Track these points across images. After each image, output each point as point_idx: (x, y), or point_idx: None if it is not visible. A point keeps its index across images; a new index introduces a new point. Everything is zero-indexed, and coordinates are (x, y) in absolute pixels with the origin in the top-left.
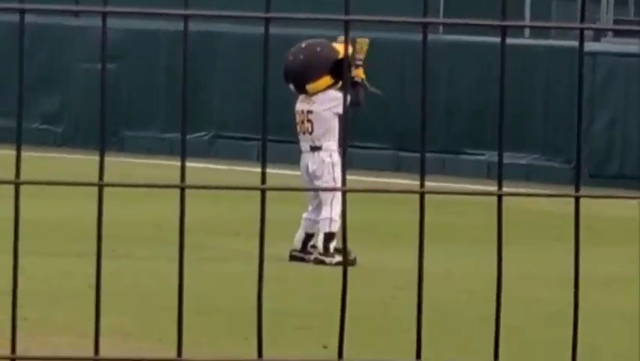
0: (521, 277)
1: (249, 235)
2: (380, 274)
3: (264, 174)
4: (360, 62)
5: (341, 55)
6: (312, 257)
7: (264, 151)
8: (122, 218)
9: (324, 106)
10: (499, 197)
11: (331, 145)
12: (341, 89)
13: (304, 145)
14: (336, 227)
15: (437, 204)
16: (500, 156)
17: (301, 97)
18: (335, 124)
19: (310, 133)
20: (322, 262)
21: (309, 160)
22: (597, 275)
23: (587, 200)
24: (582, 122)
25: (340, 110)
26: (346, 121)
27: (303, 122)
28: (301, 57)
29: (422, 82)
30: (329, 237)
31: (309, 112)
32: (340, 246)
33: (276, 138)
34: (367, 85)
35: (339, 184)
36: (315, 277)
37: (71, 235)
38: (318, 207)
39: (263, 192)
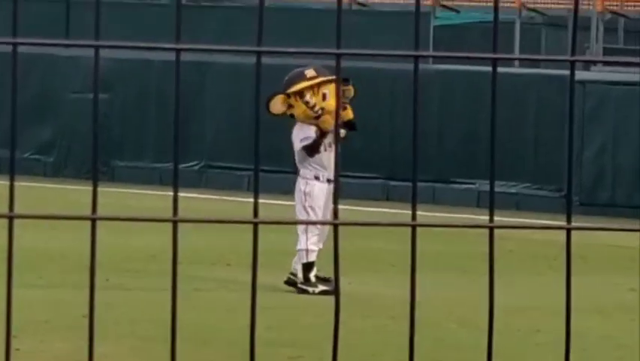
0: (514, 306)
1: (240, 265)
2: (373, 303)
3: (256, 207)
4: (346, 104)
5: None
6: (316, 290)
7: (256, 183)
8: (115, 249)
9: (292, 137)
10: (491, 229)
11: (306, 173)
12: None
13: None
14: (313, 256)
15: (428, 233)
16: (492, 188)
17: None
18: (302, 156)
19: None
20: (305, 292)
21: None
22: (590, 303)
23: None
24: (573, 152)
25: (296, 149)
26: (337, 156)
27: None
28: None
29: (413, 114)
30: (308, 267)
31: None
32: (322, 274)
33: (268, 167)
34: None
35: (307, 214)
36: (308, 306)
37: (65, 265)
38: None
39: (255, 225)
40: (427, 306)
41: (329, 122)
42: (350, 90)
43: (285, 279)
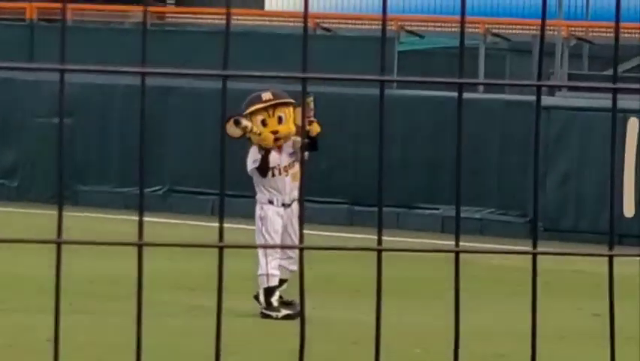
0: (479, 331)
1: (205, 289)
2: (336, 328)
3: (221, 231)
4: (312, 119)
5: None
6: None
7: (222, 207)
8: (79, 273)
9: (247, 159)
10: (457, 254)
11: (261, 198)
12: (260, 147)
13: None
14: (274, 281)
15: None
16: (457, 212)
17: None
18: (257, 179)
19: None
20: (269, 317)
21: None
22: (554, 329)
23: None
24: (538, 177)
25: (248, 170)
26: (302, 180)
27: None
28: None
29: (379, 138)
30: (269, 292)
31: None
32: (286, 298)
33: (232, 192)
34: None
35: (264, 238)
36: (273, 331)
37: (28, 290)
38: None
39: (221, 249)
40: (392, 331)
41: (268, 139)
42: (309, 102)
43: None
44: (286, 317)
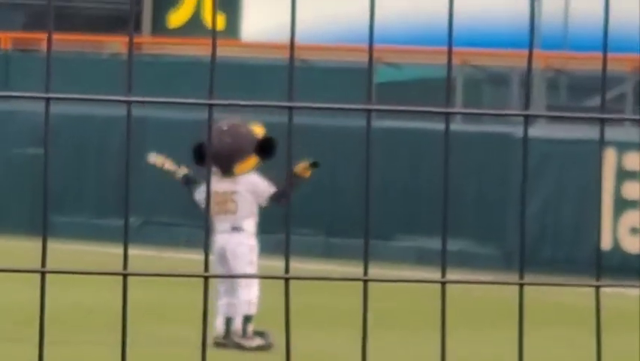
0: None
1: (183, 321)
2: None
3: (206, 261)
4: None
5: (260, 135)
6: (252, 344)
7: (207, 238)
8: (55, 303)
9: (248, 188)
10: (443, 284)
11: (252, 228)
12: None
13: (223, 225)
14: (254, 309)
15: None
16: (444, 243)
17: (219, 177)
18: (255, 209)
19: (234, 213)
20: (241, 347)
21: (228, 240)
22: (532, 359)
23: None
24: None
25: (262, 201)
26: (289, 208)
27: (225, 202)
28: (228, 140)
29: (366, 167)
30: (248, 319)
31: (234, 192)
32: (259, 329)
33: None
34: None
35: (252, 269)
36: None
37: (4, 320)
38: (232, 289)
39: (206, 279)
40: None
41: (305, 173)
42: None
43: (215, 342)
44: (258, 348)
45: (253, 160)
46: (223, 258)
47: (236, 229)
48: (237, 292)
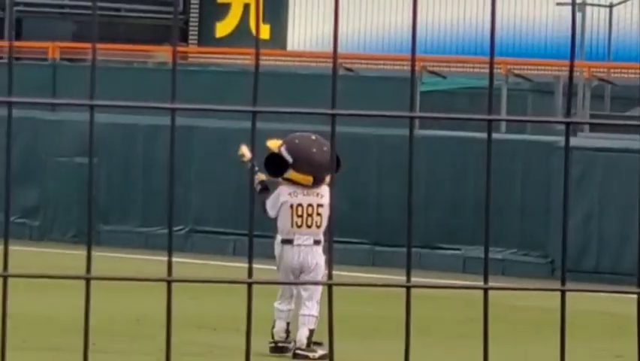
0: None
1: (226, 329)
2: None
3: (250, 267)
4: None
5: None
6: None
7: (251, 244)
8: (99, 312)
9: (328, 200)
10: (485, 291)
11: (323, 240)
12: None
13: (303, 239)
14: (316, 323)
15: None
16: (486, 249)
17: (299, 190)
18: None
19: (318, 227)
20: (306, 358)
21: (309, 254)
22: None
23: (566, 295)
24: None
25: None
26: (332, 217)
27: (310, 215)
28: (326, 149)
29: (409, 173)
30: (312, 333)
31: (320, 205)
32: (318, 340)
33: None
34: None
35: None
36: None
37: (50, 329)
38: (297, 299)
39: (249, 286)
40: None
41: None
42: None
43: (271, 346)
44: (321, 358)
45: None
46: (297, 270)
47: (317, 242)
48: (306, 304)
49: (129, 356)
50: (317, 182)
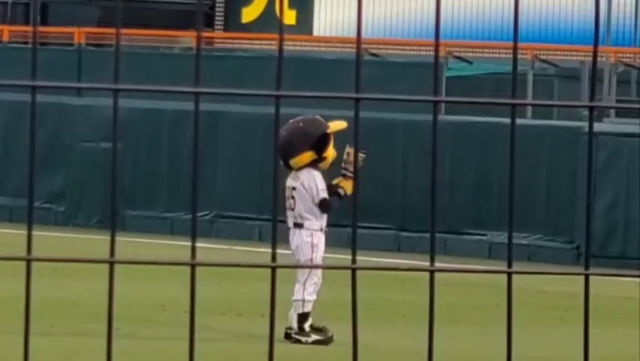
0: (527, 357)
1: (252, 315)
2: (383, 355)
3: (274, 252)
4: (350, 175)
5: (330, 129)
6: (309, 340)
7: (275, 229)
8: (125, 297)
9: (305, 184)
10: (509, 275)
11: (312, 225)
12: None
13: (289, 221)
14: (309, 307)
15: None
16: (510, 234)
17: (291, 173)
18: (312, 206)
19: (293, 210)
20: (299, 342)
21: (292, 237)
22: (601, 355)
23: (591, 280)
24: (589, 201)
25: (320, 196)
26: (355, 201)
27: (288, 198)
28: (284, 133)
29: (432, 159)
30: (303, 317)
31: (293, 188)
32: (317, 324)
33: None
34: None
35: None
36: (317, 357)
37: (76, 314)
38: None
39: (273, 270)
40: (440, 358)
41: (347, 189)
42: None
43: (285, 333)
44: (316, 342)
45: (308, 155)
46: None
47: (297, 225)
48: (294, 289)
49: (154, 341)
50: (284, 164)
